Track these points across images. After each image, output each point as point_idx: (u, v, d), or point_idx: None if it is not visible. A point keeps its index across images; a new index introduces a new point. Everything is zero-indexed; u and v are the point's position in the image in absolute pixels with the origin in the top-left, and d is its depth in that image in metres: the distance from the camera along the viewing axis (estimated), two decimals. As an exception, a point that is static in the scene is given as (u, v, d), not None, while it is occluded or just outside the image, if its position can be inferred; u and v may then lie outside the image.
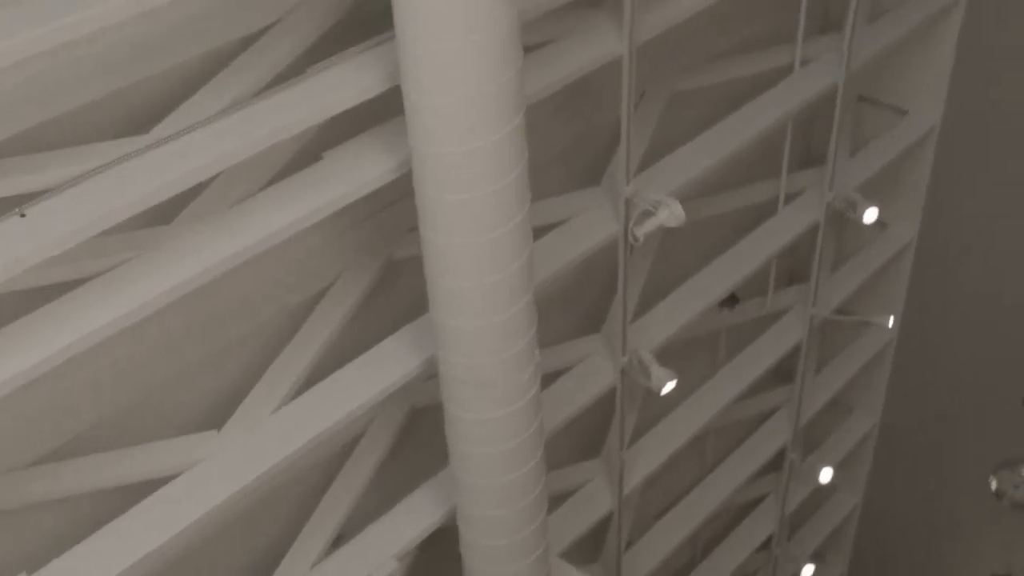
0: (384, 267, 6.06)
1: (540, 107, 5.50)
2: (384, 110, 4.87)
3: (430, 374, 5.62)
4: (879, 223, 8.88)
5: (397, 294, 6.16)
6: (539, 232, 5.72)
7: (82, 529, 4.83)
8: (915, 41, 8.74)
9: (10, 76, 3.69)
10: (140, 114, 4.66)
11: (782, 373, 9.87)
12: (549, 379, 6.76)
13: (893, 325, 10.02)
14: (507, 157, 4.56)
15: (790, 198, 8.82)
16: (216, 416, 5.46)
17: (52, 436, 5.03)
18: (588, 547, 8.59)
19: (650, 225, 6.48)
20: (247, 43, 4.91)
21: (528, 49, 4.89)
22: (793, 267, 9.82)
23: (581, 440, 8.33)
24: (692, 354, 8.83)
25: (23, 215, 3.90)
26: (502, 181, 4.59)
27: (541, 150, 4.90)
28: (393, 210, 5.94)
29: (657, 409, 8.46)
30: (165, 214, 4.55)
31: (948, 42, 8.90)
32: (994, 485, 10.67)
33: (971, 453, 10.85)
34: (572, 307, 7.74)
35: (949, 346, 10.43)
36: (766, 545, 11.19)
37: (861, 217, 8.56)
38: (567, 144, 7.06)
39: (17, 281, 3.92)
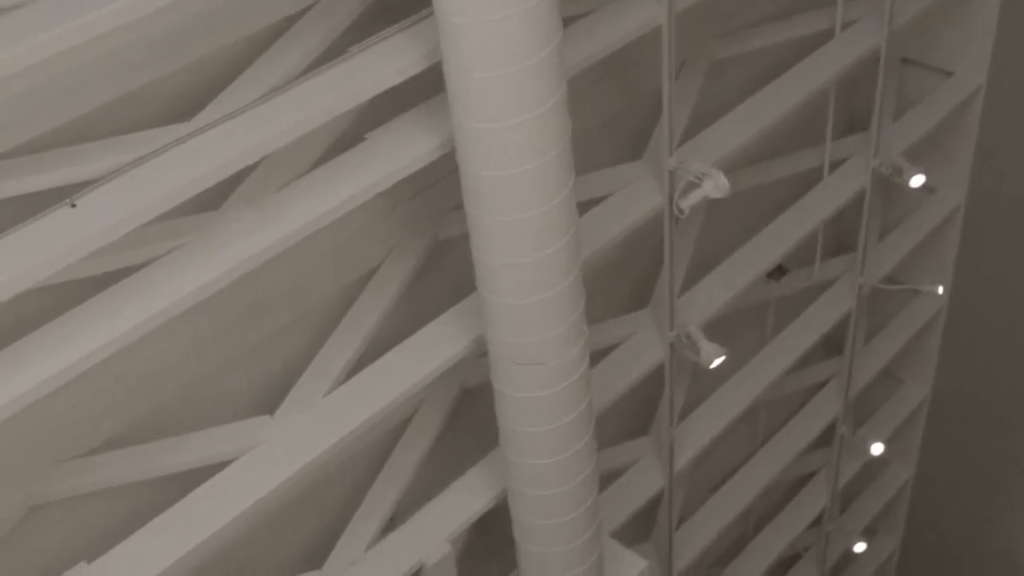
0: (430, 246, 6.04)
1: (581, 78, 5.45)
2: (427, 87, 4.83)
3: (479, 353, 5.60)
4: (926, 188, 8.76)
5: (444, 273, 6.14)
6: (583, 207, 5.68)
7: (141, 516, 4.87)
8: (958, 0, 8.58)
9: (54, 66, 3.70)
10: (183, 101, 4.67)
11: (831, 344, 9.78)
12: (597, 356, 6.72)
13: (943, 293, 9.87)
14: (550, 131, 4.52)
15: (835, 165, 8.71)
16: (270, 400, 5.47)
17: (109, 425, 5.06)
18: (639, 526, 8.55)
19: (695, 197, 6.42)
20: (287, 25, 4.89)
21: (567, 21, 4.84)
22: (840, 235, 9.70)
23: (630, 417, 8.28)
24: (740, 326, 8.75)
25: (74, 205, 3.92)
26: (546, 155, 4.56)
27: (583, 122, 4.85)
28: (437, 189, 5.91)
29: (706, 384, 8.40)
30: (212, 199, 4.54)
31: (991, 0, 8.73)
32: (1049, 453, 10.55)
33: (1024, 422, 10.71)
34: (617, 281, 7.69)
35: (1001, 312, 10.27)
36: (818, 521, 11.09)
37: (908, 183, 8.45)
38: (608, 115, 7.00)
39: (72, 270, 3.93)
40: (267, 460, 5.09)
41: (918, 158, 8.58)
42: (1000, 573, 12.09)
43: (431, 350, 5.53)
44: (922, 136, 8.82)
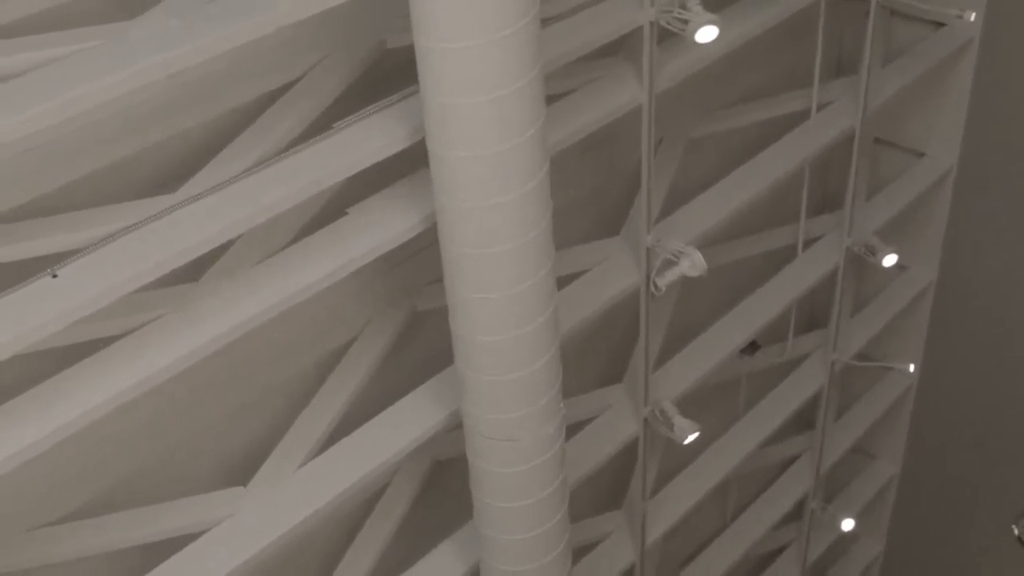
0: (408, 318, 6.04)
1: (562, 155, 5.51)
2: (408, 161, 4.87)
3: (454, 426, 5.59)
4: (898, 266, 8.86)
5: (421, 345, 6.14)
6: (561, 281, 5.70)
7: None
8: (930, 83, 8.75)
9: (39, 137, 3.71)
10: (168, 172, 4.69)
11: (803, 419, 9.81)
12: (572, 429, 6.71)
13: (914, 370, 9.95)
14: (532, 211, 4.56)
15: (809, 243, 8.81)
16: (243, 471, 5.43)
17: (78, 494, 5.02)
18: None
19: (672, 275, 6.47)
20: (272, 99, 4.93)
21: (551, 99, 4.90)
22: (813, 312, 9.78)
23: (602, 490, 8.26)
24: (713, 401, 8.78)
25: (55, 275, 3.91)
26: (528, 235, 4.59)
27: (562, 197, 4.90)
28: (416, 261, 5.94)
29: (679, 458, 8.40)
30: (193, 271, 4.54)
31: (963, 83, 8.91)
32: (1017, 532, 10.56)
33: (994, 500, 10.73)
34: (592, 355, 7.71)
35: (971, 390, 10.34)
36: (789, 595, 11.07)
37: (880, 262, 8.54)
38: (588, 191, 7.06)
39: (49, 339, 3.92)
40: (238, 532, 5.05)
41: (890, 237, 8.68)
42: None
43: (406, 424, 5.52)
44: (894, 215, 8.93)
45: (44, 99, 3.52)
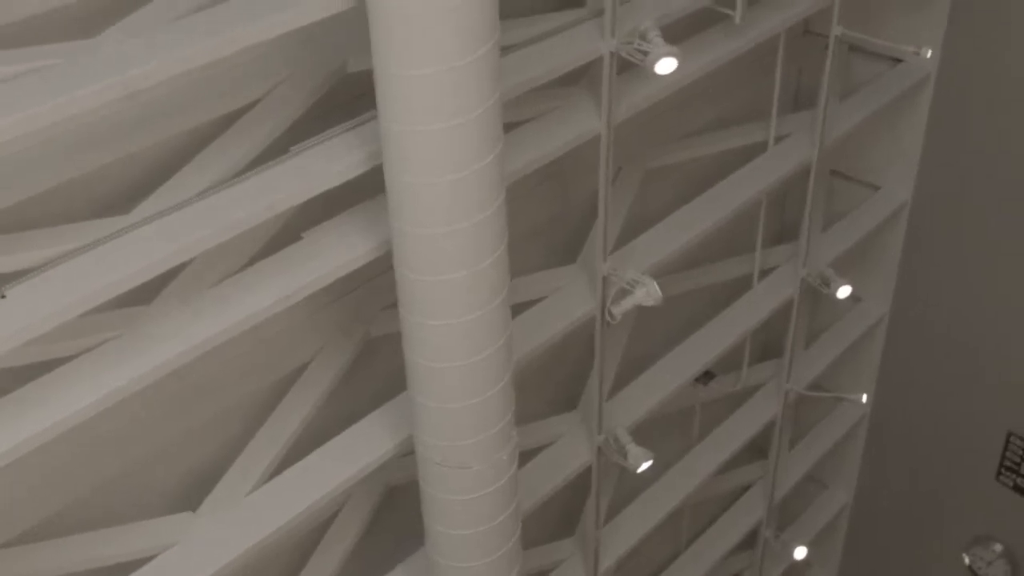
0: (361, 344, 6.02)
1: (518, 183, 5.52)
2: (365, 185, 4.86)
3: (406, 452, 5.56)
4: (852, 297, 8.94)
5: (374, 371, 6.12)
6: (516, 309, 5.71)
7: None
8: (886, 117, 8.86)
9: (-9, 156, 3.67)
10: (121, 192, 4.65)
11: (756, 448, 9.85)
12: (524, 457, 6.70)
13: (866, 401, 10.03)
14: (488, 238, 4.57)
15: (764, 273, 8.86)
16: (191, 497, 5.37)
17: (21, 519, 4.93)
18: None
19: (627, 304, 6.48)
20: (230, 121, 4.90)
21: (508, 127, 4.91)
22: (767, 342, 9.84)
23: (555, 517, 8.25)
24: (667, 429, 8.80)
25: (3, 296, 3.86)
26: (483, 262, 4.59)
27: (518, 225, 4.91)
28: (370, 286, 5.92)
29: (632, 486, 8.40)
30: (145, 293, 4.49)
31: (918, 119, 9.02)
32: (967, 561, 10.66)
33: (945, 529, 10.83)
34: (546, 382, 7.71)
35: (922, 421, 10.45)
36: (741, 623, 11.09)
37: (835, 293, 8.61)
38: (544, 219, 7.08)
39: (-3, 362, 3.87)
40: (186, 559, 4.99)
41: (845, 268, 8.76)
42: None
43: (358, 450, 5.48)
44: (849, 248, 9.02)
45: (-4, 118, 3.48)
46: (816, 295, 9.04)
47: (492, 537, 5.55)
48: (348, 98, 5.16)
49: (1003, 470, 9.98)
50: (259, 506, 5.25)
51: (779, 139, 8.20)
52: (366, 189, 4.88)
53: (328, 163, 4.64)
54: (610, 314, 6.53)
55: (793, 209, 9.01)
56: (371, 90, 4.17)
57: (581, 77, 6.08)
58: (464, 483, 5.27)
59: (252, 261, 4.83)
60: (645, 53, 5.66)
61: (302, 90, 5.13)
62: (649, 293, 6.34)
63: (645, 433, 7.42)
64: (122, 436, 5.13)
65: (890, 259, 9.85)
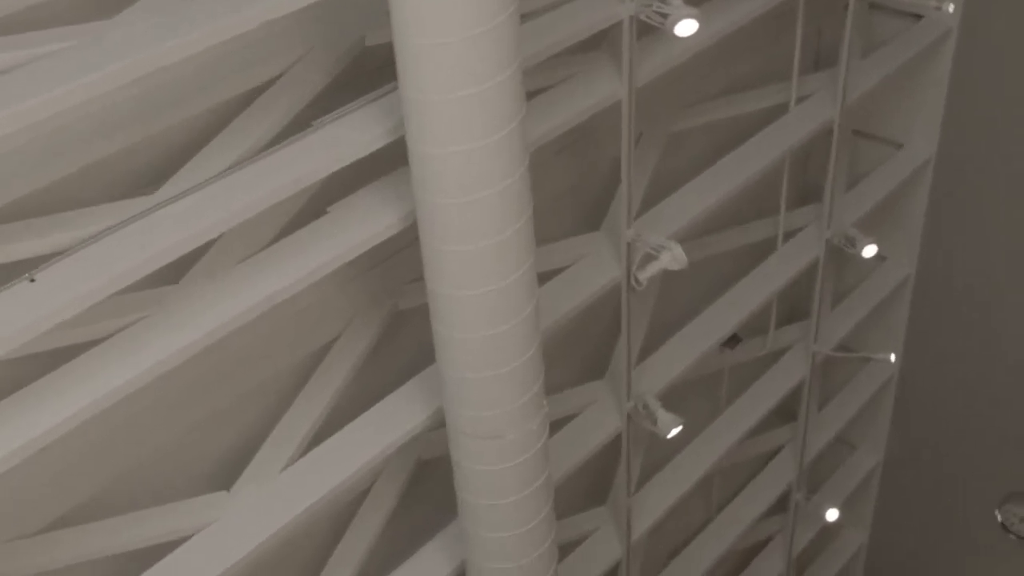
0: (390, 317, 6.01)
1: (541, 150, 5.49)
2: (389, 158, 4.84)
3: (438, 425, 5.56)
4: (878, 257, 8.88)
5: (403, 343, 6.11)
6: (542, 278, 5.69)
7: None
8: (908, 74, 8.77)
9: (16, 139, 3.66)
10: (146, 173, 4.64)
11: (785, 411, 9.82)
12: (554, 426, 6.69)
13: (895, 360, 9.98)
14: (513, 206, 4.53)
15: (789, 235, 8.81)
16: (226, 475, 5.39)
17: (59, 502, 4.95)
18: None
19: (652, 269, 6.47)
20: (251, 97, 4.88)
21: (530, 95, 4.88)
22: (793, 304, 9.79)
23: (585, 486, 8.25)
24: (695, 395, 8.78)
25: (33, 280, 3.86)
26: (508, 231, 4.56)
27: (541, 192, 4.89)
28: (398, 259, 5.90)
29: (662, 452, 8.40)
30: (173, 272, 4.50)
31: (941, 74, 8.94)
32: (1000, 518, 10.63)
33: (976, 487, 10.79)
34: (574, 351, 7.69)
35: (952, 379, 10.40)
36: (774, 586, 11.09)
37: (860, 253, 8.55)
38: (567, 186, 7.04)
39: (28, 346, 3.87)
40: (224, 537, 5.01)
41: (869, 228, 8.70)
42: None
43: (390, 423, 5.49)
44: (873, 207, 8.95)
45: (18, 101, 3.46)
46: (841, 256, 8.99)
47: (525, 507, 5.55)
48: (367, 71, 5.13)
49: (1034, 426, 9.94)
50: (293, 482, 5.26)
51: (801, 99, 8.13)
52: (385, 162, 4.87)
53: (351, 136, 4.62)
54: (636, 280, 6.51)
55: (816, 170, 8.95)
56: (390, 63, 4.15)
57: (601, 42, 6.03)
58: (494, 453, 5.26)
59: (279, 236, 4.82)
60: (665, 16, 5.61)
61: (321, 65, 5.11)
62: (675, 257, 6.31)
63: (673, 398, 7.41)
64: (153, 418, 5.13)
65: (915, 217, 9.78)
